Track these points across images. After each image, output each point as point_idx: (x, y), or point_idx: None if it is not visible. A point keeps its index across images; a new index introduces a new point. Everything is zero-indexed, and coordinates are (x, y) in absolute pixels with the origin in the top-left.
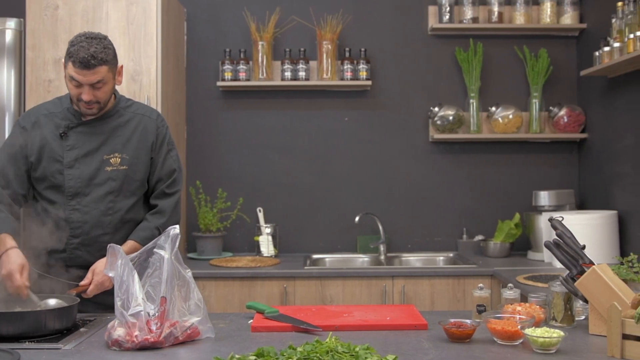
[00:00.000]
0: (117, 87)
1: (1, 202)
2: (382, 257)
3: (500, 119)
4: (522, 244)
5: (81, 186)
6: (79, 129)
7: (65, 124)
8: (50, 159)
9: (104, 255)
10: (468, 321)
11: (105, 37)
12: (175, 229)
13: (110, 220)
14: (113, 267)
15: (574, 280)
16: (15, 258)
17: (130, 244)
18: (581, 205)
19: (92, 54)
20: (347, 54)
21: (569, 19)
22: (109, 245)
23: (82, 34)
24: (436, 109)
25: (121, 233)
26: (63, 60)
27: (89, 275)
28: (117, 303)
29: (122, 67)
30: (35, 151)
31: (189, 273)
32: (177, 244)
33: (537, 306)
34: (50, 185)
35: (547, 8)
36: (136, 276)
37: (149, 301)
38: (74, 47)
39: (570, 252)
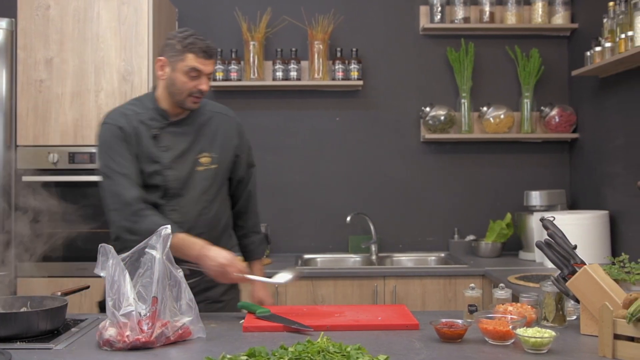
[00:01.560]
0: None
1: (147, 202)
2: (374, 257)
3: (491, 119)
4: (514, 244)
5: (179, 187)
6: (169, 129)
7: (155, 125)
8: (147, 160)
9: None
10: (459, 321)
11: None
12: (167, 229)
13: (205, 219)
14: (104, 267)
15: (566, 280)
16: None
17: (258, 264)
18: (572, 205)
19: (209, 45)
20: (338, 54)
21: (560, 19)
22: (100, 245)
23: (184, 30)
24: (428, 109)
25: (213, 232)
26: (163, 57)
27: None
28: (109, 303)
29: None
30: (135, 150)
31: (180, 273)
32: (169, 244)
33: (529, 306)
34: (149, 186)
35: (539, 8)
36: (127, 276)
37: (140, 301)
38: (187, 40)
39: (561, 252)
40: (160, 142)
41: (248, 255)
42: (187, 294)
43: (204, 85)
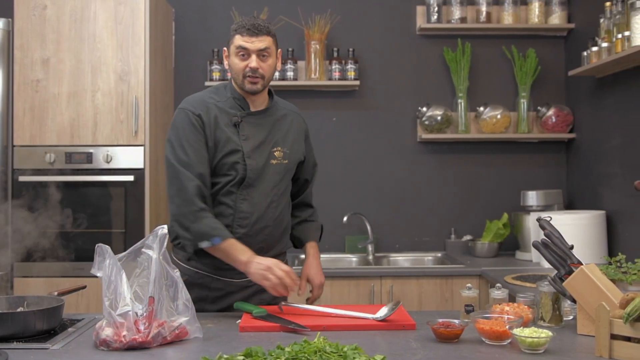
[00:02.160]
0: None
1: (203, 195)
2: (370, 257)
3: (488, 118)
4: (510, 244)
5: (254, 177)
6: (249, 119)
7: (237, 113)
8: (228, 148)
9: (262, 248)
10: (456, 321)
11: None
12: (163, 229)
13: (272, 213)
14: (101, 267)
15: (562, 280)
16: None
17: (314, 245)
18: (569, 205)
19: (259, 22)
20: (335, 54)
21: (557, 19)
22: (96, 245)
23: (245, 17)
24: (424, 109)
25: (277, 227)
26: (225, 49)
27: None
28: (105, 303)
29: (280, 52)
30: (215, 140)
31: (176, 273)
32: (165, 243)
33: (525, 306)
34: (225, 174)
35: (535, 8)
36: (124, 276)
37: (137, 301)
38: (237, 24)
39: (558, 252)
40: (241, 130)
41: (303, 237)
42: (183, 294)
43: (253, 62)
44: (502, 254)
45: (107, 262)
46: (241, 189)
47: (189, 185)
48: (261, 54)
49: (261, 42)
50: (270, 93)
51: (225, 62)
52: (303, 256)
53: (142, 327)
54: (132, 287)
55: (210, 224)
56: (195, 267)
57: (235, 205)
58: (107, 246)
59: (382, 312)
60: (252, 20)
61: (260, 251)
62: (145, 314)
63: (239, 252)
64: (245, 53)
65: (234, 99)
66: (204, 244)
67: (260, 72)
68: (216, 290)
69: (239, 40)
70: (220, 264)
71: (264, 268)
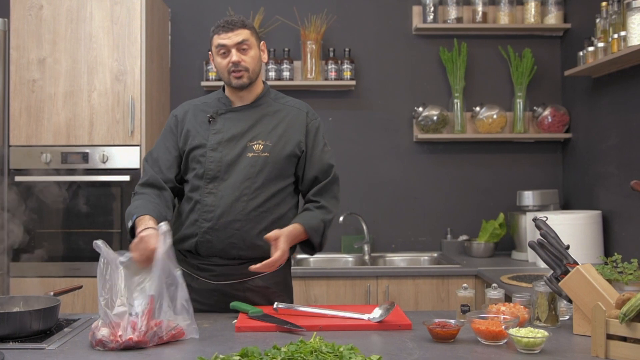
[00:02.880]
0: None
1: (154, 187)
2: (366, 257)
3: (484, 118)
4: (506, 244)
5: (221, 170)
6: (227, 115)
7: (214, 111)
8: (194, 143)
9: (233, 244)
10: (452, 321)
11: (246, 18)
12: (163, 226)
13: (243, 207)
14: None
15: (558, 280)
16: (154, 236)
17: (298, 228)
18: (565, 205)
19: (233, 18)
20: (331, 54)
21: (553, 19)
22: (93, 242)
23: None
24: (420, 109)
25: (253, 223)
26: (210, 53)
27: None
28: (101, 302)
29: (264, 44)
30: (183, 137)
31: (178, 272)
32: (169, 240)
33: (521, 306)
34: (195, 168)
35: (531, 8)
36: (122, 274)
37: (140, 297)
38: (215, 24)
39: (554, 252)
40: (213, 125)
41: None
42: (182, 294)
43: (233, 56)
44: (498, 254)
45: (101, 261)
46: (206, 182)
47: (142, 179)
48: (240, 47)
49: (237, 35)
50: (267, 90)
51: (212, 65)
52: (300, 256)
53: (141, 326)
54: (135, 285)
55: (137, 204)
56: (178, 259)
57: (200, 199)
58: (103, 243)
59: (377, 313)
60: (226, 18)
61: (234, 248)
62: (143, 313)
63: (138, 227)
64: (225, 50)
65: (218, 99)
66: (129, 224)
67: (243, 65)
68: (198, 291)
69: (217, 39)
70: (198, 264)
71: (137, 240)
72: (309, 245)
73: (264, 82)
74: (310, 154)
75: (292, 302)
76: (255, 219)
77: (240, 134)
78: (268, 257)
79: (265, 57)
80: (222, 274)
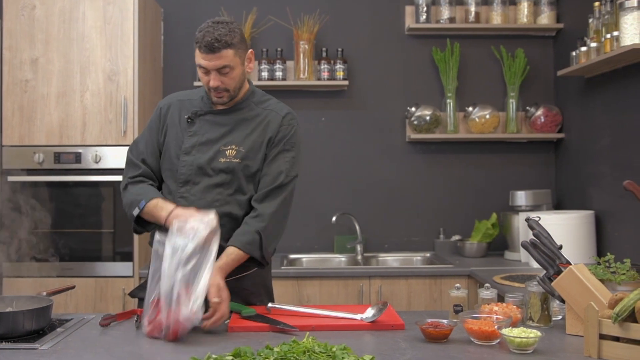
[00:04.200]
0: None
1: (148, 178)
2: (359, 257)
3: (477, 118)
4: (499, 244)
5: (192, 174)
6: (206, 117)
7: (193, 110)
8: (174, 144)
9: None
10: (445, 321)
11: (233, 21)
12: (211, 215)
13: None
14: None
15: (551, 280)
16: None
17: (231, 250)
18: (558, 205)
19: (217, 37)
20: (324, 54)
21: (545, 19)
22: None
23: (209, 20)
24: (413, 109)
25: (226, 228)
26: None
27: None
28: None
29: (252, 52)
30: (163, 133)
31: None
32: (213, 227)
33: (514, 306)
34: (169, 169)
35: (524, 8)
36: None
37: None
38: (200, 32)
39: (547, 252)
40: (190, 126)
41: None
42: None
43: (212, 81)
44: (491, 254)
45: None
46: (179, 185)
47: (129, 166)
48: (221, 71)
49: (219, 59)
50: (252, 92)
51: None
52: (293, 256)
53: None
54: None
55: (136, 191)
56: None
57: (147, 188)
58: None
59: (369, 313)
60: (210, 35)
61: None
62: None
63: (160, 210)
64: (205, 71)
65: (202, 98)
66: (135, 212)
67: (222, 87)
68: None
69: (198, 56)
70: None
71: (182, 219)
72: (254, 260)
73: (249, 82)
74: (269, 155)
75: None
76: (227, 225)
77: (216, 138)
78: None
79: (251, 66)
80: None
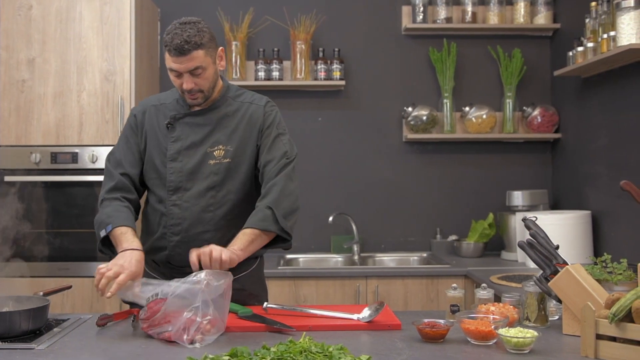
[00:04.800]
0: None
1: (122, 191)
2: (356, 257)
3: (473, 119)
4: (496, 244)
5: (182, 180)
6: (185, 120)
7: (172, 115)
8: (156, 151)
9: None
10: (441, 321)
11: (200, 21)
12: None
13: (211, 217)
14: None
15: (548, 280)
16: (135, 262)
17: (242, 231)
18: (555, 205)
19: (186, 38)
20: (320, 54)
21: (542, 19)
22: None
23: (177, 21)
24: (410, 109)
25: (224, 231)
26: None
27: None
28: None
29: (222, 50)
30: (144, 141)
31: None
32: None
33: (511, 306)
34: (156, 177)
35: (521, 8)
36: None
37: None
38: (168, 35)
39: (543, 252)
40: (171, 132)
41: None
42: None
43: (185, 83)
44: (487, 254)
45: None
46: (169, 193)
47: (107, 179)
48: (194, 72)
49: (190, 61)
50: (227, 88)
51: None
52: (290, 256)
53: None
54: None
55: (109, 212)
56: (147, 268)
57: (166, 211)
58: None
59: (366, 313)
60: (178, 37)
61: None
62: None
63: (121, 242)
64: (177, 74)
65: (177, 100)
66: (102, 233)
67: (196, 89)
68: None
69: (168, 60)
70: (170, 273)
71: (112, 261)
72: (275, 239)
73: (222, 79)
74: (263, 143)
75: (267, 301)
76: (225, 227)
77: (200, 140)
78: (246, 259)
79: (223, 63)
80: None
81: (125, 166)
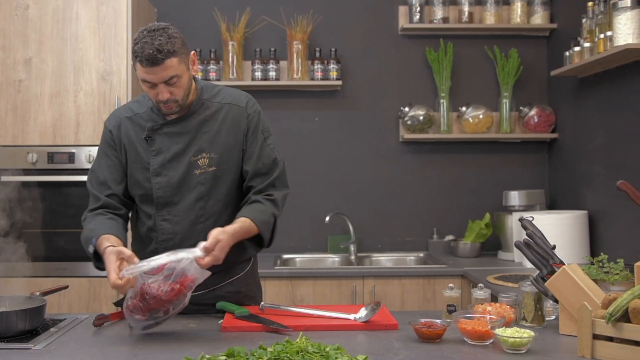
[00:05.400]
0: (198, 77)
1: (108, 208)
2: (353, 257)
3: (470, 118)
4: (493, 244)
5: (170, 195)
6: (163, 130)
7: (149, 127)
8: (138, 166)
9: None
10: (438, 321)
11: (169, 27)
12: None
13: (202, 228)
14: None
15: (544, 280)
16: (111, 256)
17: (247, 223)
18: (551, 205)
19: (157, 47)
20: (317, 54)
21: (539, 19)
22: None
23: (144, 29)
24: (406, 109)
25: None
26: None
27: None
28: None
29: (195, 54)
30: (124, 155)
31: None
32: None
33: (508, 306)
34: (142, 194)
35: (518, 8)
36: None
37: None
38: (137, 44)
39: (540, 252)
40: (151, 145)
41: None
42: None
43: (161, 94)
44: (484, 254)
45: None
46: (157, 209)
47: (91, 199)
48: (169, 82)
49: (164, 70)
50: (202, 89)
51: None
52: (286, 256)
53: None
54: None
55: (90, 227)
56: None
57: (155, 227)
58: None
59: (363, 313)
60: (149, 46)
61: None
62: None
63: (100, 248)
64: (151, 85)
65: (151, 109)
66: (90, 249)
67: (172, 99)
68: None
69: (140, 71)
70: None
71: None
72: (257, 240)
73: (195, 80)
74: (251, 150)
75: (263, 300)
76: None
77: (182, 150)
78: (233, 263)
79: (196, 68)
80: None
81: (111, 185)
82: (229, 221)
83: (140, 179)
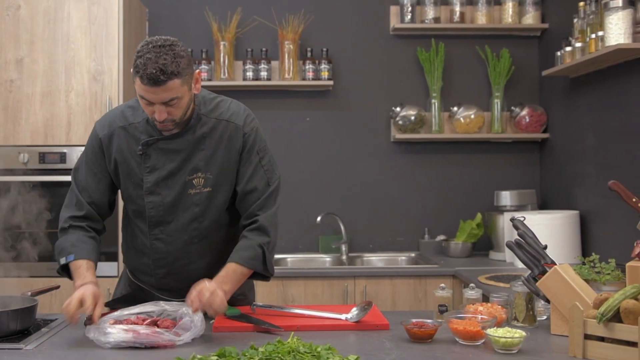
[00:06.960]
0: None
1: (89, 220)
2: (344, 257)
3: (462, 119)
4: (484, 244)
5: (163, 214)
6: (159, 145)
7: (144, 140)
8: (130, 181)
9: (193, 283)
10: (430, 321)
11: (176, 43)
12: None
13: (196, 248)
14: None
15: (536, 280)
16: (90, 290)
17: (232, 267)
18: (543, 205)
19: (161, 67)
20: (309, 54)
21: (530, 19)
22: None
23: (149, 41)
24: (398, 109)
25: (207, 259)
26: (132, 70)
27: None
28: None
29: (199, 72)
30: (114, 168)
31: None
32: None
33: (499, 306)
34: (135, 209)
35: (509, 8)
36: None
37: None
38: (140, 59)
39: (531, 252)
40: (146, 160)
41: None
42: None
43: (157, 114)
44: (475, 254)
45: None
46: (150, 227)
47: (70, 204)
48: (168, 103)
49: (165, 92)
50: (200, 102)
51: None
52: (278, 256)
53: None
54: None
55: (72, 240)
56: (139, 280)
57: (149, 244)
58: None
59: (354, 313)
60: (152, 64)
61: (194, 283)
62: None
63: (78, 276)
64: (148, 103)
65: (147, 121)
66: (62, 261)
67: (169, 118)
68: None
69: (139, 87)
70: (158, 283)
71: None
72: (258, 274)
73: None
74: (243, 171)
75: (254, 300)
76: (209, 255)
77: (177, 168)
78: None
79: (198, 87)
80: (184, 297)
81: (92, 194)
82: (224, 240)
83: (134, 195)
